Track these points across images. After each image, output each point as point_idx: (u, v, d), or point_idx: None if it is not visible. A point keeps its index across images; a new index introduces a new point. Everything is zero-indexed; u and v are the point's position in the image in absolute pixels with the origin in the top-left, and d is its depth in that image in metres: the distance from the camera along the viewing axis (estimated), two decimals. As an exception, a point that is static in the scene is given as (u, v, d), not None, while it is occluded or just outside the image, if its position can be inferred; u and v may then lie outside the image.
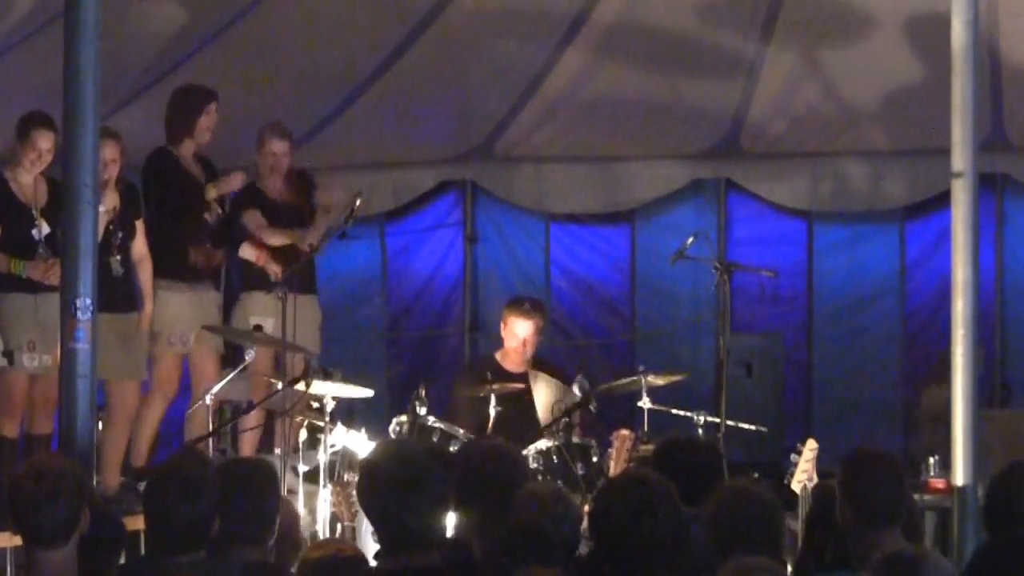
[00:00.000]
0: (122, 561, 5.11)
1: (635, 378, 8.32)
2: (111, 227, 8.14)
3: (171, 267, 8.55)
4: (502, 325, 8.93)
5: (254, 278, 8.80)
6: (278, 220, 8.84)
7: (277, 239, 8.76)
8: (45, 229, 7.92)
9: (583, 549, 5.30)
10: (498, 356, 8.93)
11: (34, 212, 7.98)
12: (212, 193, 8.71)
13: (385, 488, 4.66)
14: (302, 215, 8.92)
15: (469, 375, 8.88)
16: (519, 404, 8.49)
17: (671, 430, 8.12)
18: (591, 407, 8.23)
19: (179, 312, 8.56)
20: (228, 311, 9.04)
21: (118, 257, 8.21)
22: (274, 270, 8.61)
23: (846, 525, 4.99)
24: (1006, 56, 9.50)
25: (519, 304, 8.96)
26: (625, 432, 8.14)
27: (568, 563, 4.65)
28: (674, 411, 8.45)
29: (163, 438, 8.94)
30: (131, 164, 8.84)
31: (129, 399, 8.38)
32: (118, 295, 8.14)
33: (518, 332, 8.82)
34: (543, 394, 8.70)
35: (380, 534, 4.70)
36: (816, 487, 6.27)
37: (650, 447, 7.53)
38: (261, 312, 8.52)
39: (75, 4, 5.60)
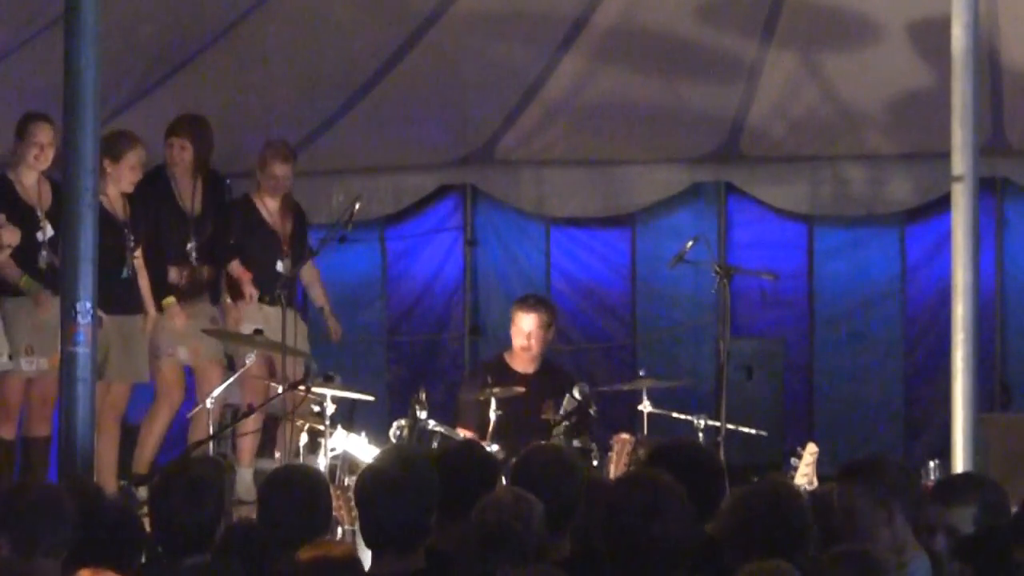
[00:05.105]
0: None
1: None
2: (126, 230, 8.18)
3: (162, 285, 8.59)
4: (511, 324, 8.88)
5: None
6: (265, 243, 8.88)
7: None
8: (49, 232, 7.91)
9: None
10: (507, 357, 8.86)
11: (39, 214, 7.97)
12: None
13: (377, 488, 4.66)
14: (288, 242, 8.94)
15: (475, 377, 8.84)
16: (523, 406, 8.43)
17: (670, 434, 8.14)
18: (591, 411, 8.21)
19: (174, 326, 8.59)
20: None
21: (132, 262, 8.26)
22: (250, 291, 8.77)
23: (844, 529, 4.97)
24: (1006, 60, 9.50)
25: (523, 299, 8.97)
26: (625, 436, 8.11)
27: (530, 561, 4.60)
28: (674, 415, 8.44)
29: (165, 441, 8.93)
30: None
31: (120, 402, 8.39)
32: (124, 297, 8.16)
33: (523, 326, 8.76)
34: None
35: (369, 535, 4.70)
36: (810, 494, 6.24)
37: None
38: (247, 320, 8.59)
39: (75, 6, 5.60)
